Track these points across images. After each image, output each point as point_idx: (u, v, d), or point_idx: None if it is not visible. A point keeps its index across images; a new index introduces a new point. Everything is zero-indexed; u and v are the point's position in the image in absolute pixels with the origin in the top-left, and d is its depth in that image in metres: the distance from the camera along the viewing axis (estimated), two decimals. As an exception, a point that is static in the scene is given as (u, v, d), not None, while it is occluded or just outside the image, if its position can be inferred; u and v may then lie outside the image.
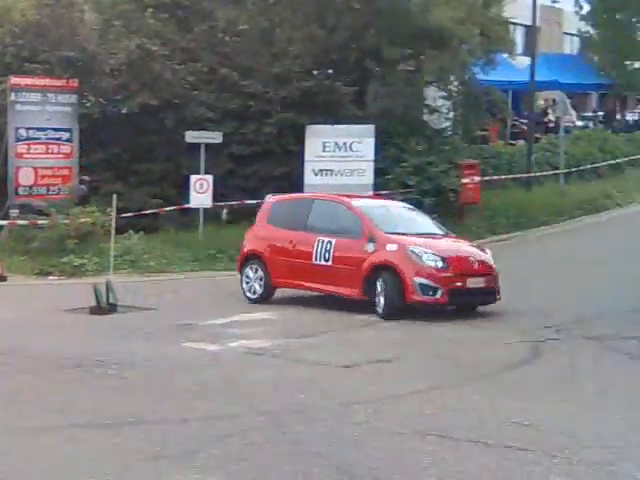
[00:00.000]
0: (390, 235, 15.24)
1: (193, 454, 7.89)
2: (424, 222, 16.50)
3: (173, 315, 14.74)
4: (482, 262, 15.17)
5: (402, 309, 14.68)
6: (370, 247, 15.07)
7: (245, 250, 16.86)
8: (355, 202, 16.29)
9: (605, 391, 10.41)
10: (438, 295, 14.66)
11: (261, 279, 16.28)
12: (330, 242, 15.55)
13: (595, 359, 12.06)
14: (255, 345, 12.63)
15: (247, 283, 16.47)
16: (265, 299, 16.25)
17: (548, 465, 7.66)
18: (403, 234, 15.37)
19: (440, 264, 14.74)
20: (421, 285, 14.64)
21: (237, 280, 16.76)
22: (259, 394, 9.96)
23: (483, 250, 15.69)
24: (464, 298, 15.14)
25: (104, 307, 14.83)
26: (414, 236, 15.38)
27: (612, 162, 33.60)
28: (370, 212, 15.85)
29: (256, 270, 16.36)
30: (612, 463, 7.74)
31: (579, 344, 12.86)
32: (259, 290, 16.31)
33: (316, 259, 15.66)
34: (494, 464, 7.71)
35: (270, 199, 17.46)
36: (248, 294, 16.39)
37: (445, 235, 16.11)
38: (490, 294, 15.13)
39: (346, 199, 16.57)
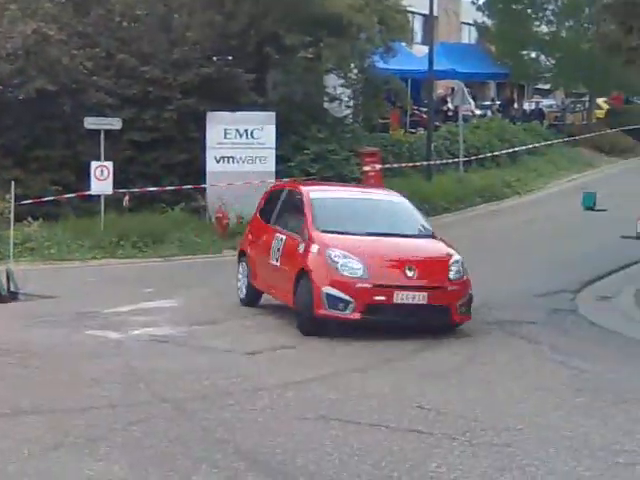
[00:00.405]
0: (324, 234, 12.73)
1: (96, 442, 7.81)
2: (400, 219, 13.68)
3: (76, 303, 14.51)
4: (430, 273, 12.40)
5: (317, 324, 12.37)
6: (301, 247, 12.83)
7: (239, 246, 15.63)
8: (312, 192, 13.83)
9: (505, 375, 10.65)
10: (348, 310, 11.99)
11: (247, 280, 14.58)
12: (282, 239, 13.53)
13: (495, 344, 12.34)
14: (158, 332, 12.55)
15: (238, 282, 14.90)
16: (247, 303, 14.56)
17: (449, 447, 7.82)
18: (347, 233, 12.80)
19: (360, 273, 12.07)
20: (329, 297, 12.02)
21: (138, 267, 16.63)
22: (163, 381, 9.90)
23: (454, 260, 12.67)
24: (388, 316, 12.16)
25: (5, 295, 14.56)
26: (361, 236, 12.79)
27: (510, 151, 34.24)
28: (319, 204, 13.35)
29: (243, 269, 14.80)
30: (511, 444, 7.92)
31: (481, 329, 13.09)
32: (244, 292, 14.70)
33: (271, 259, 13.65)
34: (396, 447, 7.83)
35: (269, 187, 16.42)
36: (239, 294, 14.84)
37: (425, 236, 13.33)
38: (437, 312, 12.35)
39: (305, 188, 14.25)
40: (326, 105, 28.67)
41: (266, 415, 8.76)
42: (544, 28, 43.07)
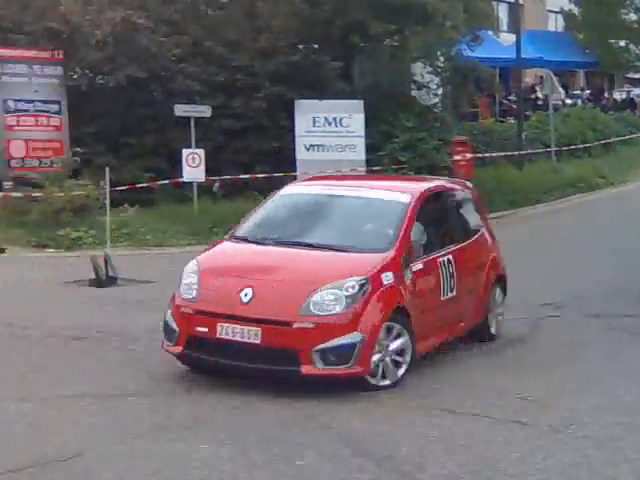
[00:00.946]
0: (228, 242, 10.24)
1: (200, 425, 7.94)
2: (361, 226, 10.08)
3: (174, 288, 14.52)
4: (275, 301, 8.85)
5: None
6: None
7: None
8: (287, 187, 11.31)
9: (607, 368, 10.42)
10: (172, 342, 9.25)
11: None
12: None
13: (595, 336, 12.01)
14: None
15: None
16: None
17: (554, 440, 7.70)
18: (257, 242, 9.92)
19: (193, 294, 9.27)
20: (165, 325, 9.47)
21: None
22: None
23: (331, 287, 8.83)
24: (212, 355, 8.97)
25: (104, 280, 14.71)
26: (266, 246, 9.78)
27: (604, 141, 33.62)
28: (277, 202, 10.85)
29: None
30: (618, 439, 7.76)
31: (578, 321, 12.78)
32: None
33: None
34: (501, 437, 7.77)
35: None
36: None
37: (363, 250, 9.48)
38: (277, 359, 8.72)
39: (292, 183, 12.53)
40: (414, 93, 28.46)
41: (368, 403, 8.73)
42: (632, 16, 42.29)
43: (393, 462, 7.19)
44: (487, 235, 11.75)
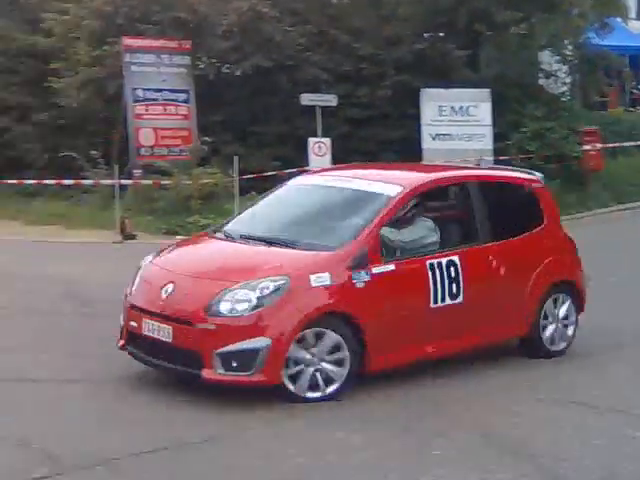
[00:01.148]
0: (204, 236, 10.01)
1: (333, 410, 8.00)
2: (332, 220, 9.24)
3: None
4: (188, 298, 8.37)
5: None
6: None
7: None
8: (297, 178, 10.80)
9: None
10: (120, 335, 9.08)
11: None
12: None
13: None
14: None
15: None
16: None
17: None
18: (233, 237, 9.33)
19: (132, 287, 9.07)
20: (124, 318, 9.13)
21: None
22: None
23: (244, 285, 8.18)
24: (140, 350, 8.73)
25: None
26: (242, 242, 9.13)
27: None
28: (270, 195, 10.38)
29: None
30: None
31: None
32: None
33: None
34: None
35: None
36: None
37: (311, 248, 8.69)
38: (184, 359, 8.27)
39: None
40: (541, 82, 27.96)
41: (500, 394, 8.60)
42: None
43: (529, 453, 7.05)
44: (547, 236, 10.16)
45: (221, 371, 7.98)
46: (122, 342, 8.91)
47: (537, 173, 10.73)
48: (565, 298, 10.14)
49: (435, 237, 9.19)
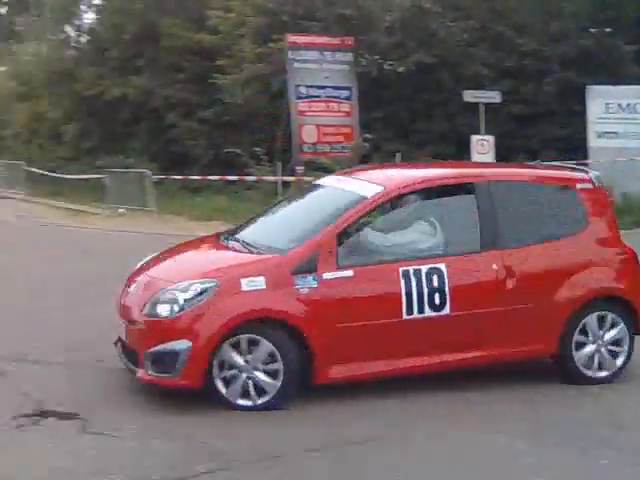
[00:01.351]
0: (206, 238, 9.71)
1: (497, 416, 7.75)
2: (305, 222, 8.46)
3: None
4: (142, 299, 7.99)
5: None
6: None
7: None
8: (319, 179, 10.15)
9: None
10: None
11: None
12: None
13: None
14: None
15: None
16: None
17: None
18: (227, 241, 8.81)
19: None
20: None
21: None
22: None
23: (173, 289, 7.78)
24: (125, 356, 8.29)
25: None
26: (227, 244, 8.69)
27: None
28: (290, 200, 10.07)
29: None
30: None
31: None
32: None
33: None
34: None
35: None
36: None
37: (268, 252, 8.08)
38: (131, 357, 8.05)
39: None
40: None
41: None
42: None
43: None
44: (590, 243, 8.75)
45: (151, 372, 7.70)
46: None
47: (592, 172, 9.18)
48: (616, 320, 8.59)
49: (425, 242, 8.27)
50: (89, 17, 31.19)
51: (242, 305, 7.65)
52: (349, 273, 7.85)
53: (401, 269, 7.95)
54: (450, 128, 23.46)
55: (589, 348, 8.49)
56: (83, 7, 30.87)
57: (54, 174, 28.52)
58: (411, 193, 8.44)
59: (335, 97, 22.96)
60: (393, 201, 8.48)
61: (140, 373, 7.78)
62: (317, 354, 7.69)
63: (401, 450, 7.04)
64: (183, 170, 23.91)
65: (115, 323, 8.36)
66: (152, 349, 7.64)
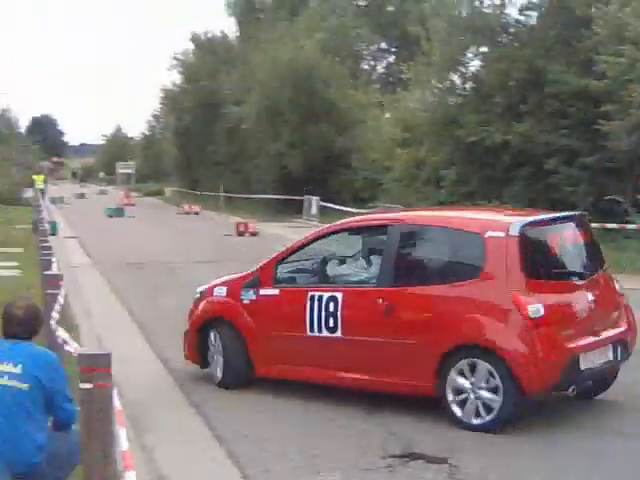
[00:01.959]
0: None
1: None
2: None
3: None
4: None
5: None
6: None
7: None
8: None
9: None
10: None
11: None
12: None
13: None
14: None
15: None
16: None
17: None
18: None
19: None
20: None
21: None
22: None
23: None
24: None
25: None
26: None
27: None
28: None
29: None
30: None
31: None
32: None
33: None
34: None
35: None
36: None
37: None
38: None
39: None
40: None
41: None
42: None
43: None
44: (479, 291, 8.49)
45: None
46: None
47: (516, 223, 8.62)
48: (491, 369, 8.26)
49: (333, 273, 9.93)
50: (474, 64, 31.43)
51: (210, 307, 10.48)
52: (276, 292, 9.87)
53: (309, 294, 9.49)
54: None
55: (464, 394, 8.40)
56: (470, 55, 31.12)
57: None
58: (336, 232, 10.11)
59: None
60: (321, 238, 10.04)
61: None
62: (250, 352, 9.92)
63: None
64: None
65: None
66: None
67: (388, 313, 8.84)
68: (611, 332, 8.84)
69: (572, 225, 9.48)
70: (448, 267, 9.00)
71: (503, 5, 29.52)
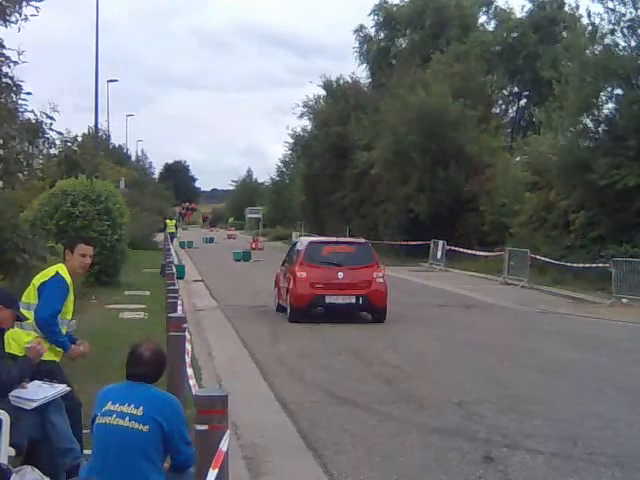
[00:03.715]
0: None
1: None
2: None
3: None
4: None
5: None
6: None
7: None
8: None
9: None
10: None
11: None
12: None
13: None
14: None
15: None
16: None
17: None
18: None
19: None
20: None
21: None
22: None
23: None
24: None
25: None
26: None
27: None
28: None
29: None
30: None
31: None
32: None
33: None
34: None
35: None
36: None
37: None
38: None
39: None
40: None
41: None
42: None
43: None
44: None
45: None
46: None
47: None
48: None
49: None
50: (608, 107, 30.75)
51: None
52: None
53: None
54: None
55: None
56: (603, 97, 30.45)
57: (558, 262, 28.50)
58: None
59: None
60: None
61: None
62: None
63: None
64: None
65: None
66: None
67: None
68: None
69: None
70: None
71: (638, 47, 28.89)
